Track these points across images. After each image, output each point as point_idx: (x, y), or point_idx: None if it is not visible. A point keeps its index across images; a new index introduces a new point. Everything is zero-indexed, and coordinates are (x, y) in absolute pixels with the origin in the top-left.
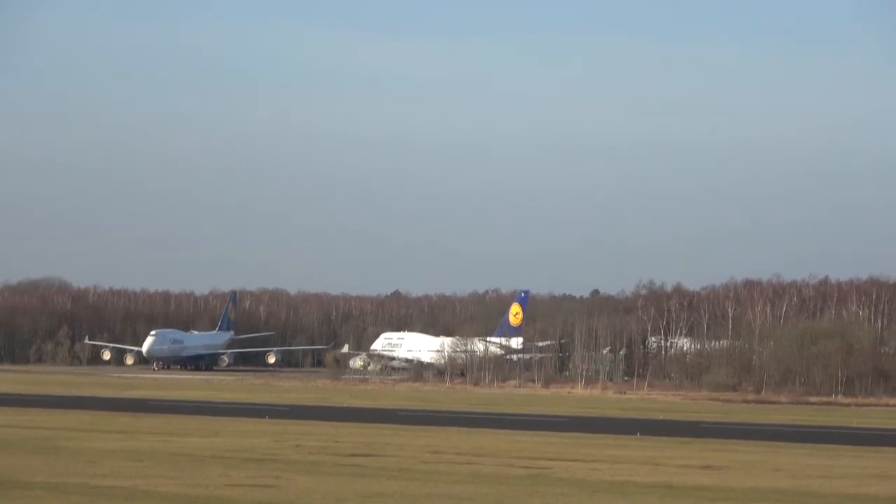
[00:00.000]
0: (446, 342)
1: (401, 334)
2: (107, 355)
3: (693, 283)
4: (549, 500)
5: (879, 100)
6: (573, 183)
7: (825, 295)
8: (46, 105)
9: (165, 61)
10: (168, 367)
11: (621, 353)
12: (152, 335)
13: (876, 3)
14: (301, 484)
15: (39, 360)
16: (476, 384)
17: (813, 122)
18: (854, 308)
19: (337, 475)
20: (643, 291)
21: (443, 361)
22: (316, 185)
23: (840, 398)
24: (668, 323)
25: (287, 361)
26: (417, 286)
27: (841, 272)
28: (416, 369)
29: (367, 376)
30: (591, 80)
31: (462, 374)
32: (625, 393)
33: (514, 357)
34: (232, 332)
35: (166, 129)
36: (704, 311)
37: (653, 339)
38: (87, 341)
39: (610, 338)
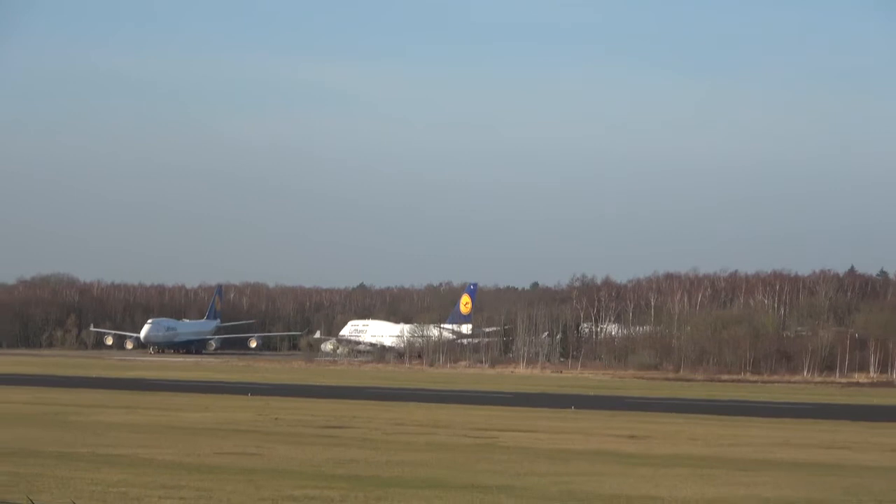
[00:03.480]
0: (405, 328)
1: (366, 322)
2: (109, 341)
3: (620, 277)
4: (496, 465)
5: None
6: (515, 188)
7: (735, 286)
8: (52, 115)
9: (166, 76)
10: (163, 351)
11: (557, 337)
12: (149, 323)
13: None
14: (281, 452)
15: (50, 346)
16: (432, 365)
17: (718, 134)
18: (760, 298)
19: (312, 444)
20: (577, 284)
21: (402, 345)
22: (291, 194)
23: (748, 376)
24: (598, 311)
25: (266, 346)
26: (380, 280)
27: (748, 266)
28: (380, 352)
29: (336, 358)
30: (524, 94)
31: (419, 356)
32: (561, 372)
33: (465, 341)
34: (218, 321)
35: (162, 144)
36: (630, 301)
37: (585, 325)
38: (91, 329)
39: (548, 324)
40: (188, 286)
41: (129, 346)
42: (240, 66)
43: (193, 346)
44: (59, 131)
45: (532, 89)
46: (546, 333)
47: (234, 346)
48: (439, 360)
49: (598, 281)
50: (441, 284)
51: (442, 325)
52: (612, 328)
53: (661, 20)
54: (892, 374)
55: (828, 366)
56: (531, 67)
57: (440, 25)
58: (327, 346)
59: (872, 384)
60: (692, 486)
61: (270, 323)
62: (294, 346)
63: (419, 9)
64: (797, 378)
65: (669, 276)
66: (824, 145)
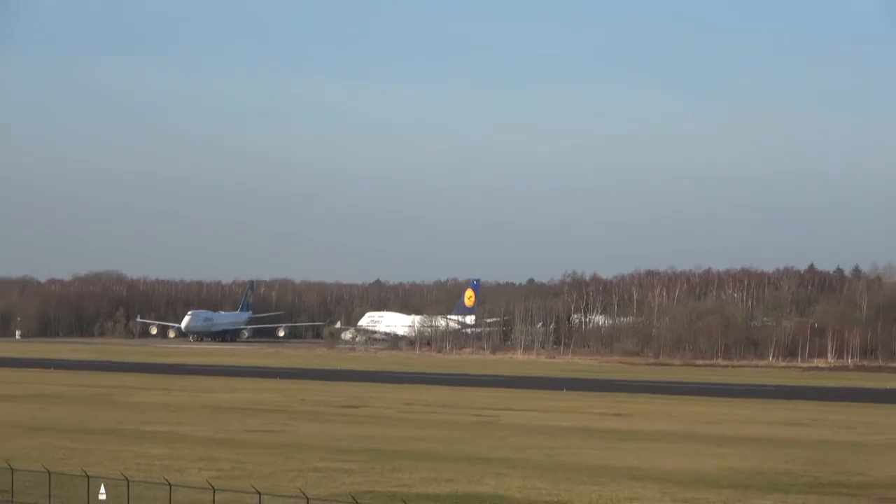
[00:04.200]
0: (416, 319)
1: (381, 313)
2: (153, 330)
3: (606, 273)
4: (496, 440)
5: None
6: (513, 195)
7: (708, 282)
8: (101, 135)
9: (206, 98)
10: (201, 340)
11: (551, 327)
12: (189, 314)
13: None
14: (305, 429)
15: (101, 335)
16: (439, 351)
17: (693, 147)
18: (730, 292)
19: (333, 422)
20: (568, 279)
21: (414, 334)
22: (315, 201)
23: (720, 361)
24: (586, 304)
25: (293, 335)
26: (393, 276)
27: (720, 264)
28: (393, 340)
29: (355, 346)
30: (519, 111)
31: (428, 344)
32: (554, 358)
33: (469, 330)
34: (250, 312)
35: (201, 159)
36: (615, 295)
37: (575, 316)
38: (138, 319)
39: (542, 315)
40: (223, 282)
41: (172, 335)
42: (268, 91)
43: (228, 335)
44: (106, 148)
45: (526, 107)
46: (541, 323)
47: (264, 334)
48: (446, 347)
49: (587, 277)
50: (447, 280)
51: (448, 316)
52: (599, 319)
53: (630, 48)
54: (847, 359)
55: (790, 352)
56: (529, 86)
57: (448, 54)
58: (347, 335)
59: (830, 368)
60: (671, 459)
61: (296, 314)
62: (317, 334)
63: (434, 39)
64: (763, 363)
65: (650, 273)
66: (786, 157)
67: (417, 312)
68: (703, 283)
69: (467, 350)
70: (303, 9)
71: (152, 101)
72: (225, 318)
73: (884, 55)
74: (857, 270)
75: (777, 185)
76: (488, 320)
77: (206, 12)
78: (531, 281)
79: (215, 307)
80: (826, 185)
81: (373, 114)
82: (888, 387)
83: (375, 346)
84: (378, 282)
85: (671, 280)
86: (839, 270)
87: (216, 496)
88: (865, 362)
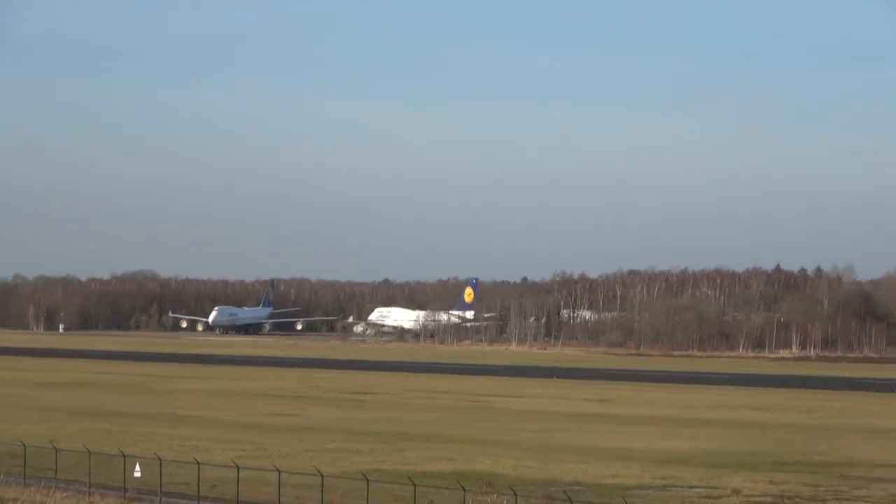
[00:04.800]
0: (421, 314)
1: (389, 309)
2: (184, 324)
3: (593, 273)
4: (490, 424)
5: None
6: (508, 202)
7: (684, 280)
8: (144, 142)
9: (230, 111)
10: (227, 333)
11: (542, 321)
12: (216, 310)
13: None
14: (320, 413)
15: (137, 328)
16: (441, 343)
17: (668, 160)
18: (704, 290)
19: (344, 407)
20: (558, 278)
21: (418, 328)
22: (330, 208)
23: (695, 352)
24: (575, 300)
25: (309, 328)
26: (400, 275)
27: (695, 264)
28: (400, 333)
29: (365, 338)
30: (516, 127)
31: (432, 336)
32: (545, 349)
33: (468, 324)
34: (271, 308)
35: (228, 171)
36: (600, 292)
37: (564, 311)
38: (169, 314)
39: (534, 310)
40: (247, 280)
41: (200, 328)
42: (287, 111)
43: (251, 329)
44: (141, 162)
45: (521, 123)
46: (533, 318)
47: (283, 328)
48: (448, 339)
49: (575, 276)
50: (449, 279)
51: (450, 312)
52: (586, 314)
53: (615, 71)
54: (810, 350)
55: (758, 344)
56: (522, 104)
57: (449, 74)
58: (358, 329)
59: (794, 359)
60: (649, 440)
61: (312, 310)
62: (331, 328)
63: (436, 63)
64: (734, 354)
65: (632, 273)
66: (755, 168)
67: (422, 308)
68: (679, 282)
69: (467, 342)
70: (320, 40)
71: (190, 122)
72: (248, 314)
73: (844, 78)
74: (818, 270)
75: (746, 194)
76: (486, 315)
77: (250, 47)
78: (525, 279)
79: (239, 303)
80: (791, 194)
81: (383, 130)
82: (846, 375)
83: (384, 339)
84: (386, 280)
85: (651, 279)
86: (803, 270)
87: (240, 474)
88: (826, 353)
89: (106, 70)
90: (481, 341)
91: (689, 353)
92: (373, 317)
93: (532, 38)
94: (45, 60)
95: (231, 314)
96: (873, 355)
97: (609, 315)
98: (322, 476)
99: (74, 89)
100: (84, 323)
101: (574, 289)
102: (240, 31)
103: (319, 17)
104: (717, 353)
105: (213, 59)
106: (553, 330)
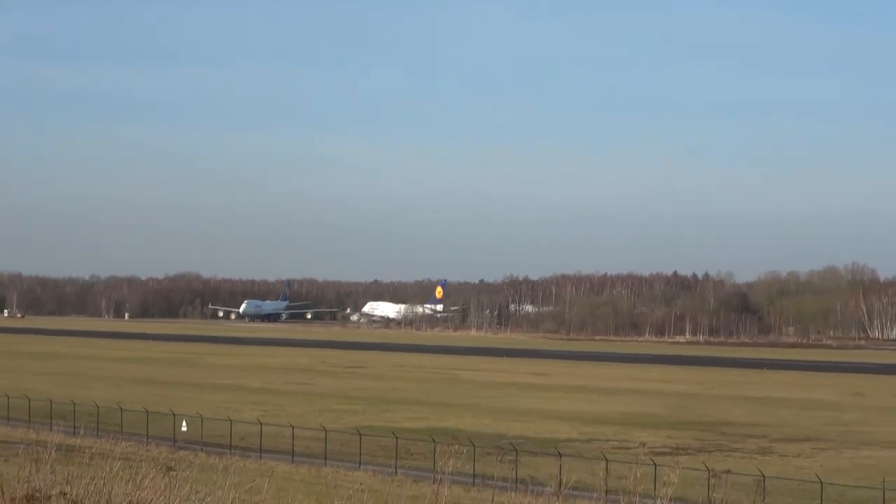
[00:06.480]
0: (402, 307)
1: (378, 303)
2: (220, 314)
3: (535, 275)
4: (457, 391)
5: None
6: (469, 221)
7: (604, 282)
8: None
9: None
10: (253, 320)
11: (495, 313)
12: (245, 303)
13: None
14: (326, 383)
15: (184, 317)
16: (418, 330)
17: (596, 185)
18: (619, 289)
19: (343, 378)
20: (507, 280)
21: (401, 318)
22: (333, 224)
23: (611, 337)
24: (520, 297)
25: (317, 317)
26: (387, 277)
27: (612, 269)
28: (386, 322)
29: (359, 325)
30: (474, 162)
31: (411, 324)
32: (497, 334)
33: (438, 315)
34: (287, 301)
35: (254, 193)
36: (540, 291)
37: (512, 305)
38: (210, 306)
39: (489, 305)
40: (269, 280)
41: (233, 317)
42: (305, 150)
43: (272, 317)
44: (187, 185)
45: (479, 158)
46: (488, 310)
47: (296, 318)
48: (423, 326)
49: (521, 278)
50: (424, 280)
51: (424, 305)
52: (529, 307)
53: (552, 115)
54: (699, 336)
55: (660, 331)
56: (480, 142)
57: (428, 124)
58: (354, 318)
59: (687, 343)
60: (576, 404)
61: (319, 303)
62: (333, 318)
63: (414, 117)
64: (642, 339)
65: (564, 276)
66: (657, 195)
67: (403, 302)
68: (600, 283)
69: (437, 329)
70: (328, 96)
71: (228, 159)
72: (270, 306)
73: (708, 124)
74: (706, 275)
75: (651, 215)
76: (452, 308)
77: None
78: (482, 281)
79: (263, 298)
80: (686, 215)
81: (373, 163)
82: (727, 356)
83: (374, 326)
84: (376, 281)
85: (578, 281)
86: (694, 275)
87: (262, 429)
88: (711, 339)
89: (145, 117)
90: (448, 328)
91: (608, 338)
92: (365, 309)
93: (479, 92)
94: (115, 112)
95: (257, 306)
96: (747, 341)
97: (546, 308)
98: (326, 431)
99: (141, 134)
100: (144, 312)
101: (519, 288)
102: (261, 89)
103: (325, 79)
104: (628, 339)
105: (248, 113)
106: (503, 319)
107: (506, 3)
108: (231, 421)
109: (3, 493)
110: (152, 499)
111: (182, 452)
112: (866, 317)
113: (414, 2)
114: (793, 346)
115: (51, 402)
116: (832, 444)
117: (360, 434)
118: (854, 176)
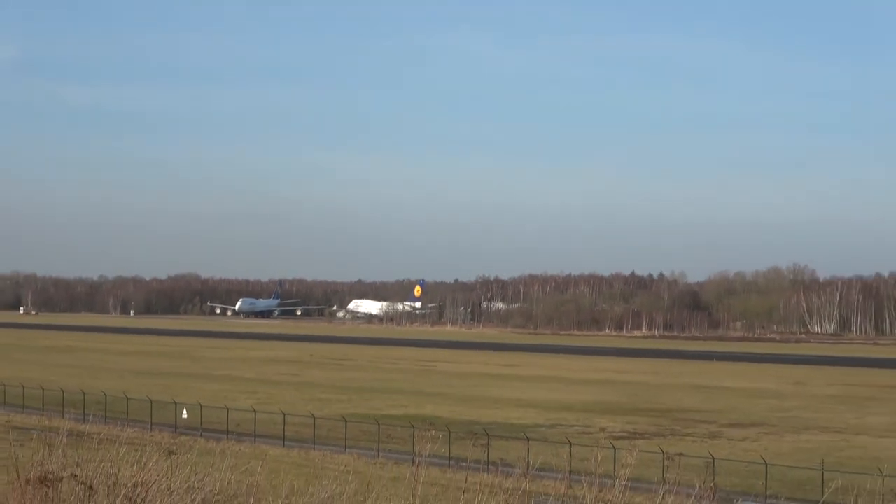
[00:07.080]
0: (384, 304)
1: (361, 301)
2: (218, 311)
3: (505, 275)
4: (434, 381)
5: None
6: (445, 226)
7: (568, 282)
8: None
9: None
10: (248, 317)
11: (469, 309)
12: (241, 301)
13: None
14: (314, 374)
15: (184, 314)
16: (399, 325)
17: (554, 193)
18: (582, 288)
19: (331, 369)
20: (480, 280)
21: (383, 314)
22: (323, 231)
23: (575, 332)
24: (492, 295)
25: (306, 314)
26: (371, 276)
27: (576, 270)
28: (369, 318)
29: (345, 321)
30: (445, 174)
31: (392, 320)
32: (470, 329)
33: (417, 312)
34: (279, 300)
35: (253, 202)
36: (510, 289)
37: (485, 303)
38: (208, 304)
39: (463, 302)
40: (262, 280)
41: (229, 314)
42: (294, 161)
43: (265, 314)
44: (194, 198)
45: (450, 171)
46: (462, 307)
47: (288, 314)
48: (403, 322)
49: (492, 278)
50: (404, 280)
51: (404, 303)
52: (499, 304)
53: (511, 135)
54: (655, 331)
55: (619, 326)
56: (454, 159)
57: (407, 138)
58: (340, 314)
59: (644, 337)
60: (543, 393)
61: (308, 301)
62: (321, 314)
63: (402, 131)
64: (602, 334)
65: (532, 276)
66: (615, 204)
67: (385, 300)
68: (564, 283)
69: (416, 324)
70: (322, 114)
71: (226, 171)
72: (263, 304)
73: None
74: (661, 275)
75: (610, 221)
76: (430, 305)
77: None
78: (457, 280)
79: (257, 296)
80: (643, 221)
81: (359, 173)
82: (680, 349)
83: (358, 322)
84: (360, 281)
85: (545, 280)
86: (650, 275)
87: (256, 416)
88: (666, 333)
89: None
90: (426, 324)
91: (571, 333)
92: (350, 306)
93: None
94: (130, 129)
95: (251, 304)
96: (698, 335)
97: (515, 306)
98: (314, 418)
99: (147, 147)
100: (148, 310)
101: (491, 287)
102: (257, 105)
103: (316, 95)
104: (590, 333)
105: (244, 127)
106: (476, 316)
107: (483, 28)
108: (227, 409)
109: (18, 475)
110: (156, 479)
111: (183, 437)
112: (807, 313)
113: (399, 26)
114: (740, 339)
115: (62, 391)
116: (775, 428)
117: (346, 420)
118: (794, 184)
